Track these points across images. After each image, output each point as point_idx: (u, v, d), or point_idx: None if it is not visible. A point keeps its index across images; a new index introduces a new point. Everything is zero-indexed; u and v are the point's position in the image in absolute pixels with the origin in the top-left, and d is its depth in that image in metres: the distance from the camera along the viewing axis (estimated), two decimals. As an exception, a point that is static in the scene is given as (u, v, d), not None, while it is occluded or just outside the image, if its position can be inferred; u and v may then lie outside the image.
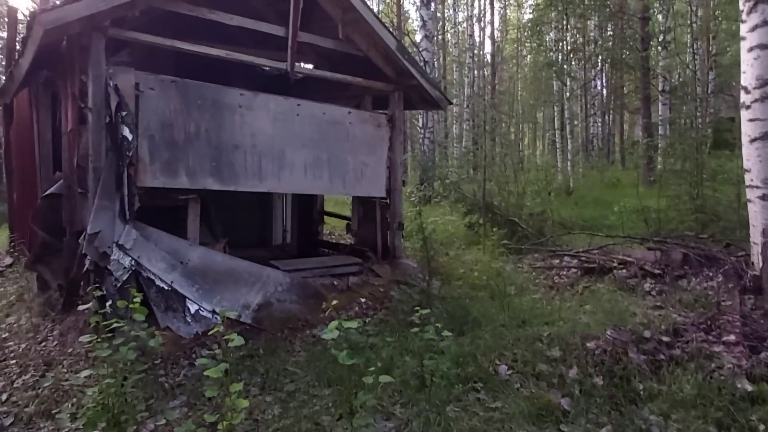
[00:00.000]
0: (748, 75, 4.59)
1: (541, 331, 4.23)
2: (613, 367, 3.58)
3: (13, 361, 4.15)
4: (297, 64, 6.65)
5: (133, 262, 4.48)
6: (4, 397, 3.55)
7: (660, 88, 18.40)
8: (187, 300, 4.67)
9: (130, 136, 4.62)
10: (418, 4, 16.36)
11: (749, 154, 4.63)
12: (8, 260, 7.75)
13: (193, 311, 4.65)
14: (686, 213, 9.12)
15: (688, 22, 21.99)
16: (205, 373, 2.20)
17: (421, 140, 16.84)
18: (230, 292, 4.98)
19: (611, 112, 29.05)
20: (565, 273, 6.64)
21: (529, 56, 31.50)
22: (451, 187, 9.32)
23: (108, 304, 3.78)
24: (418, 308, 3.30)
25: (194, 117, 5.17)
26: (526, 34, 21.59)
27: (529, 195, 10.64)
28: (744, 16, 4.59)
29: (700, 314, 4.55)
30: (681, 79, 21.96)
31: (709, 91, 23.93)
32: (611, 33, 19.26)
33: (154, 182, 4.89)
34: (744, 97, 4.63)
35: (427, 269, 5.82)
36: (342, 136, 6.25)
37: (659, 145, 16.70)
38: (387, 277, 6.48)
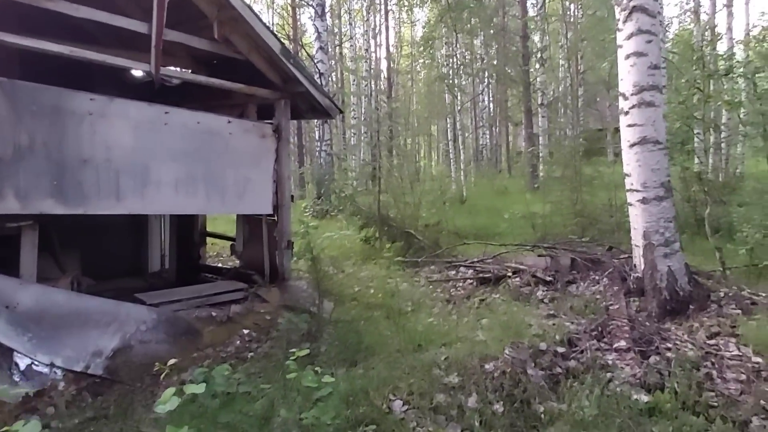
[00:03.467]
0: (625, 82, 4.71)
1: (438, 355, 3.93)
2: (513, 390, 3.36)
3: None
4: (172, 69, 5.91)
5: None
6: None
7: (539, 102, 19.72)
8: (15, 354, 3.75)
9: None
10: (313, 15, 15.97)
11: (629, 158, 4.75)
12: None
13: (23, 367, 3.74)
14: (568, 217, 9.59)
15: (559, 43, 24.00)
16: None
17: (318, 153, 16.36)
18: (76, 337, 4.11)
19: (497, 124, 30.74)
20: (461, 285, 6.51)
21: (422, 71, 32.44)
22: (346, 200, 8.94)
23: None
24: (295, 350, 2.81)
25: (27, 126, 4.27)
26: (419, 49, 22.13)
27: (425, 205, 10.61)
28: (620, 25, 4.71)
29: (591, 320, 4.54)
30: (555, 95, 23.77)
31: (579, 105, 26.30)
32: (496, 50, 20.32)
33: (-33, 207, 3.92)
34: (622, 104, 4.76)
35: (318, 291, 5.34)
36: (220, 148, 5.60)
37: (540, 155, 17.87)
38: (275, 302, 5.90)
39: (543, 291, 5.56)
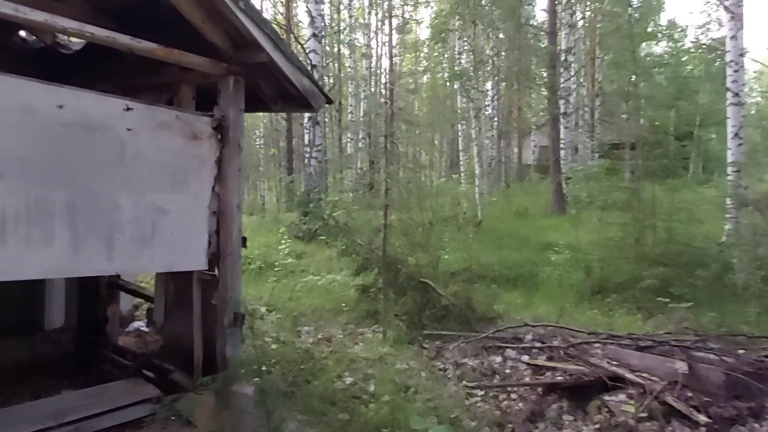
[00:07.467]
0: None
1: None
2: None
3: None
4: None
5: None
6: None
7: (562, 111, 17.34)
8: None
9: None
10: (306, -4, 13.50)
11: None
12: None
13: None
14: (635, 261, 7.11)
15: (572, 50, 21.76)
16: None
17: (307, 160, 13.80)
18: None
19: (501, 135, 28.41)
20: (516, 390, 3.99)
21: (426, 74, 30.12)
22: (337, 230, 6.41)
23: None
24: None
25: None
26: (430, 44, 19.69)
27: (446, 235, 8.12)
28: None
29: None
30: (569, 108, 21.54)
31: (595, 117, 24.01)
32: (515, 48, 17.85)
33: None
34: None
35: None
36: (108, 156, 3.08)
37: (562, 170, 15.57)
38: (203, 425, 3.38)
39: (688, 438, 3.05)
